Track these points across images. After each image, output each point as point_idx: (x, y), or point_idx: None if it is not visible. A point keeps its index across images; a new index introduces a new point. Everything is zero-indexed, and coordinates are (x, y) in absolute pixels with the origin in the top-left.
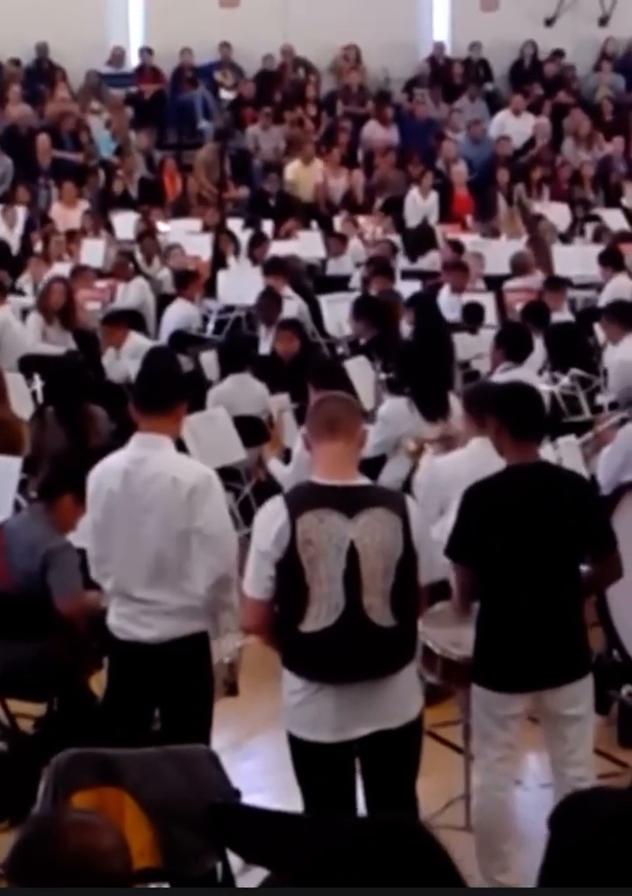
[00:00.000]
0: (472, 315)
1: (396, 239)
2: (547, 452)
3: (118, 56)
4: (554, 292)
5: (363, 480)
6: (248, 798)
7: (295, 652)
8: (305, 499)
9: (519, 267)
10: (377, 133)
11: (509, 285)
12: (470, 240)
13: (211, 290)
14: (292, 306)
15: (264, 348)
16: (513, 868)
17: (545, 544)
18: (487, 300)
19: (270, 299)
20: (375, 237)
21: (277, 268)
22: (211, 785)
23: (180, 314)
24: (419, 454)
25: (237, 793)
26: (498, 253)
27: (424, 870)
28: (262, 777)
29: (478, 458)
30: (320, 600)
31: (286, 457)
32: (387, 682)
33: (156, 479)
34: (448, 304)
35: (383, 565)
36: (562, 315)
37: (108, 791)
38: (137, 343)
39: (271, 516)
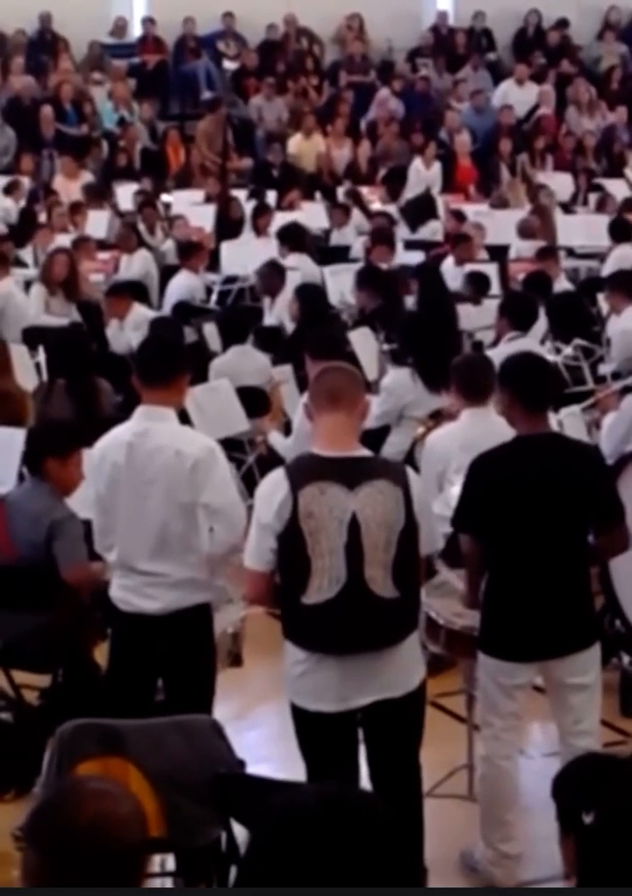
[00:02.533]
0: (477, 285)
1: (392, 209)
2: (550, 422)
3: (120, 27)
4: (548, 261)
5: (364, 452)
6: (253, 768)
7: (297, 624)
8: (306, 471)
9: (526, 232)
10: (390, 102)
11: (517, 248)
12: (474, 210)
13: (214, 261)
14: (295, 276)
15: (268, 319)
16: (517, 837)
17: (553, 514)
18: (491, 271)
19: (273, 271)
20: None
21: (292, 236)
22: (215, 755)
23: (184, 285)
24: (427, 433)
25: (241, 763)
26: (502, 223)
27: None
28: (266, 747)
29: (470, 429)
30: (322, 572)
31: (287, 428)
32: (389, 653)
33: (160, 451)
34: (452, 275)
35: (384, 536)
36: (559, 284)
37: (112, 761)
38: (140, 314)
39: (272, 489)
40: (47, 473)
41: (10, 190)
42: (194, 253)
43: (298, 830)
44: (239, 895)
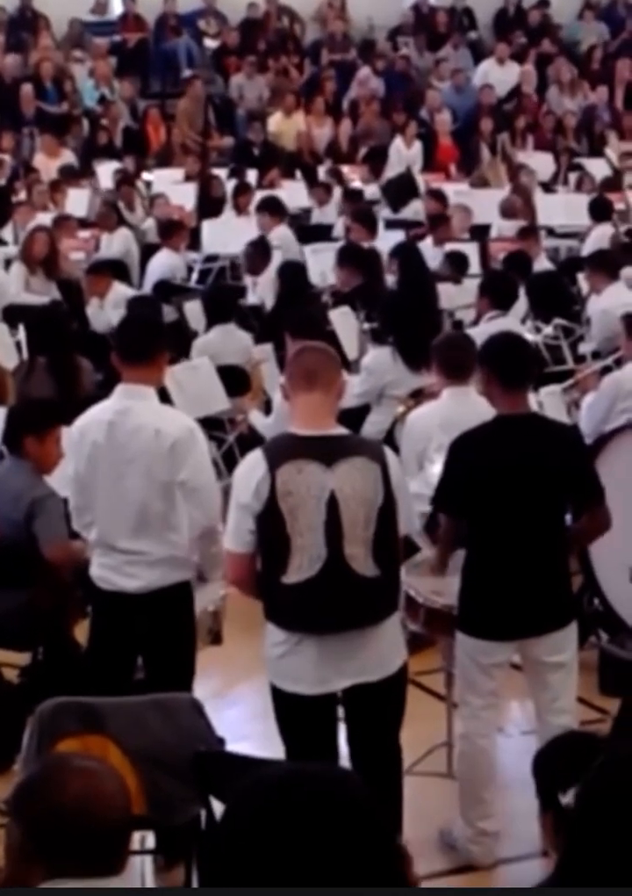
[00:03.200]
0: (456, 264)
1: (374, 188)
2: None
3: (101, 4)
4: (529, 240)
5: (341, 430)
6: (232, 746)
7: (277, 604)
8: (283, 450)
9: (507, 211)
10: (372, 81)
11: (498, 227)
12: (454, 189)
13: (195, 240)
14: (276, 255)
15: (251, 298)
16: (495, 814)
17: (532, 494)
18: (471, 250)
19: (258, 250)
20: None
21: (271, 208)
22: (195, 733)
23: (165, 263)
24: (408, 412)
25: (221, 741)
26: (482, 202)
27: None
28: (245, 725)
29: (450, 408)
30: (302, 551)
31: (267, 407)
32: (369, 635)
33: (140, 430)
34: (431, 255)
35: (364, 514)
36: (540, 264)
37: (92, 739)
38: (121, 292)
39: (250, 469)
40: (26, 452)
41: None
42: (175, 231)
43: (266, 805)
44: (222, 895)
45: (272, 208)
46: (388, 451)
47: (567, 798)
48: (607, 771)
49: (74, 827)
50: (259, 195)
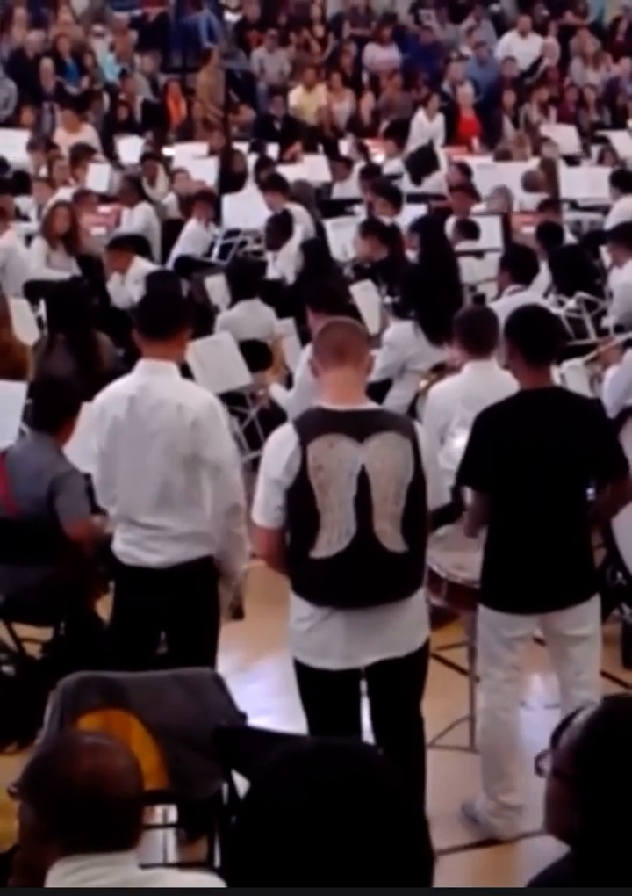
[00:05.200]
0: (466, 232)
1: (397, 163)
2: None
3: None
4: (548, 212)
5: (372, 405)
6: (254, 721)
7: (306, 578)
8: (315, 425)
9: (530, 185)
10: (378, 55)
11: (520, 201)
12: (476, 162)
13: (216, 214)
14: (299, 230)
15: (271, 272)
16: (518, 788)
17: (556, 468)
18: (492, 223)
19: (278, 224)
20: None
21: (277, 185)
22: (217, 708)
23: (193, 232)
24: (430, 386)
25: (243, 716)
26: (506, 175)
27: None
28: (267, 700)
29: (472, 382)
30: (332, 526)
31: (289, 381)
32: (396, 610)
33: (161, 405)
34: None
35: (394, 489)
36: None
37: (114, 714)
38: (142, 268)
39: (281, 443)
40: (63, 433)
41: (33, 146)
42: (197, 202)
43: (298, 775)
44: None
45: (279, 185)
46: (418, 427)
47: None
48: (597, 729)
49: (86, 804)
50: (280, 169)
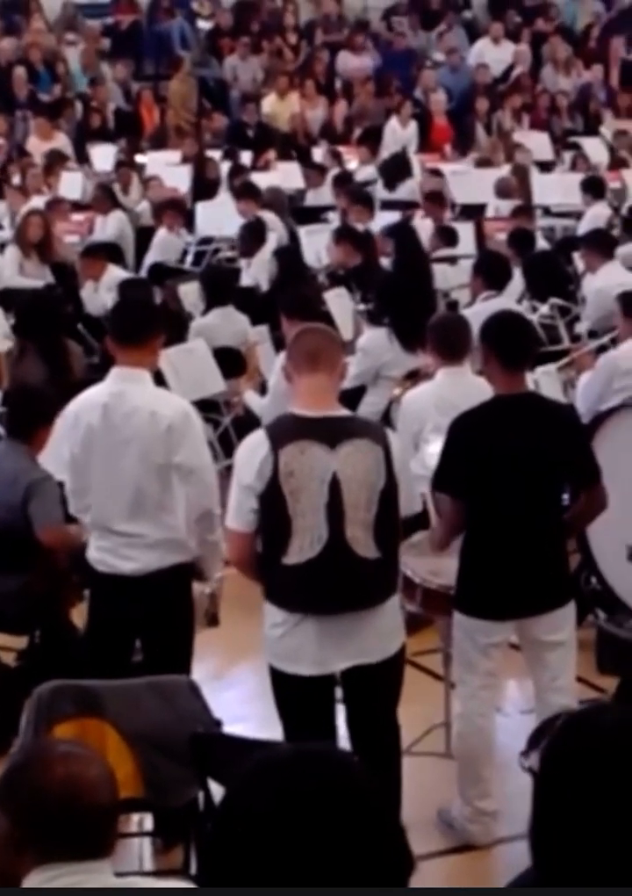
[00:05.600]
0: (446, 239)
1: (371, 169)
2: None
3: None
4: (521, 219)
5: (345, 412)
6: (230, 728)
7: (278, 584)
8: (287, 431)
9: (504, 191)
10: (351, 62)
11: (495, 207)
12: (450, 169)
13: (189, 222)
14: (272, 237)
15: (245, 279)
16: (494, 794)
17: (530, 474)
18: (465, 230)
19: (251, 232)
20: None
21: (249, 192)
22: (192, 715)
23: (163, 240)
24: (404, 393)
25: (218, 723)
26: (479, 182)
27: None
28: (243, 707)
29: (445, 388)
30: (303, 532)
31: (263, 388)
32: (369, 616)
33: (135, 413)
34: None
35: (365, 496)
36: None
37: (90, 722)
38: (115, 275)
39: (253, 449)
40: (37, 440)
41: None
42: (166, 210)
43: (273, 783)
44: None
45: (251, 193)
46: (390, 433)
47: (530, 762)
48: (568, 732)
49: (60, 812)
50: (254, 177)
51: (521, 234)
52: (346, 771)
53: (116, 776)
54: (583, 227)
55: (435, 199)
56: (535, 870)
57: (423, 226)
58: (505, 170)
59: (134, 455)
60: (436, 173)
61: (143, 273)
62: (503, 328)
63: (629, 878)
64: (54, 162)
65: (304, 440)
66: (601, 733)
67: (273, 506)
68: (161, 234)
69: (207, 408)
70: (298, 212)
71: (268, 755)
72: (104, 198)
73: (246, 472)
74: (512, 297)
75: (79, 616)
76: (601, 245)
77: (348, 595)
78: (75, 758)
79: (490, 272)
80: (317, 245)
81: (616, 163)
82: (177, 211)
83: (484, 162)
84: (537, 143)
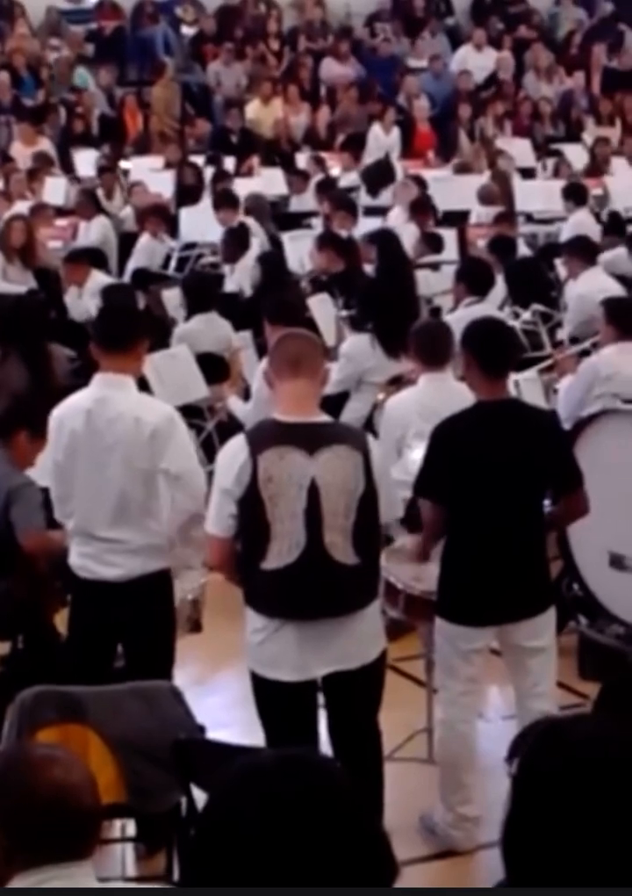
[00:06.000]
0: (431, 245)
1: (354, 175)
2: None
3: None
4: (503, 225)
5: (325, 418)
6: (213, 734)
7: (256, 589)
8: (266, 436)
9: (487, 198)
10: (334, 69)
11: (477, 213)
12: (432, 175)
13: (173, 228)
14: (255, 243)
15: (228, 285)
16: (476, 799)
17: (512, 480)
18: (449, 236)
19: (234, 237)
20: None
21: (228, 201)
22: (175, 721)
23: (145, 247)
24: (387, 399)
25: (201, 729)
26: (461, 188)
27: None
28: (226, 712)
29: (428, 394)
30: (282, 537)
31: (246, 394)
32: (348, 622)
33: (119, 418)
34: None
35: (344, 502)
36: (518, 249)
37: (72, 728)
38: (99, 281)
39: (233, 454)
40: (14, 444)
41: None
42: (149, 216)
43: (256, 789)
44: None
45: (230, 202)
46: (370, 439)
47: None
48: (542, 742)
49: (47, 816)
50: (237, 183)
51: (502, 241)
52: (328, 777)
53: (98, 781)
54: (565, 234)
55: (420, 206)
56: (506, 877)
57: (407, 230)
58: (486, 177)
59: (118, 461)
60: (417, 180)
61: (126, 279)
62: (484, 335)
63: (598, 886)
64: (40, 166)
65: (283, 446)
66: (574, 744)
67: (252, 511)
68: (144, 239)
69: (190, 413)
70: (281, 218)
71: (250, 760)
72: (88, 204)
73: (225, 476)
74: (494, 303)
75: (62, 621)
76: (583, 251)
77: (326, 600)
78: (58, 762)
79: (472, 279)
80: (300, 251)
81: (597, 170)
82: (160, 217)
83: (463, 168)
84: (519, 150)
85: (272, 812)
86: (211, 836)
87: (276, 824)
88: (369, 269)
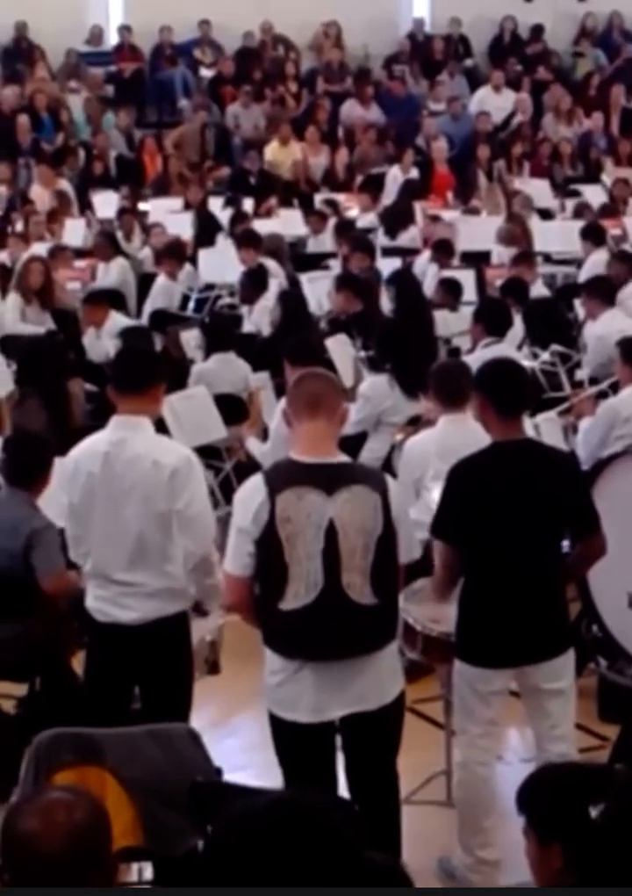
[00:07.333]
0: (450, 291)
1: (372, 217)
2: (526, 428)
3: (96, 35)
4: (522, 266)
5: (343, 458)
6: (230, 776)
7: (274, 630)
8: (284, 476)
9: (508, 239)
10: (355, 111)
11: (498, 254)
12: (451, 216)
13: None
14: (274, 284)
15: (246, 326)
16: (495, 843)
17: (529, 521)
18: (467, 277)
19: (253, 278)
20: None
21: (250, 240)
22: (192, 763)
23: (162, 288)
24: (405, 439)
25: (219, 771)
26: (478, 229)
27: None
28: (244, 755)
29: (447, 435)
30: (299, 578)
31: (265, 434)
32: (366, 663)
33: (137, 461)
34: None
35: (362, 542)
36: (536, 290)
37: (89, 770)
38: (118, 322)
39: (251, 494)
40: (36, 489)
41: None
42: (166, 257)
43: (247, 835)
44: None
45: (252, 241)
46: (390, 480)
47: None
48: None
49: (16, 863)
50: (256, 224)
51: (516, 284)
52: (322, 821)
53: (114, 824)
54: (583, 275)
55: (443, 247)
56: None
57: (428, 270)
58: (504, 219)
59: (136, 503)
60: (436, 220)
61: (144, 320)
62: (496, 376)
63: None
64: (60, 206)
65: (301, 486)
66: None
67: (269, 551)
68: (161, 281)
69: (208, 454)
70: (299, 259)
71: (245, 805)
72: (107, 245)
73: (243, 516)
74: (512, 344)
75: (79, 663)
76: (602, 292)
77: (343, 641)
78: (48, 807)
79: (490, 319)
80: (318, 292)
81: (616, 210)
82: (176, 258)
83: (471, 211)
84: (538, 191)
85: (262, 858)
86: (205, 882)
87: (266, 869)
88: (387, 309)
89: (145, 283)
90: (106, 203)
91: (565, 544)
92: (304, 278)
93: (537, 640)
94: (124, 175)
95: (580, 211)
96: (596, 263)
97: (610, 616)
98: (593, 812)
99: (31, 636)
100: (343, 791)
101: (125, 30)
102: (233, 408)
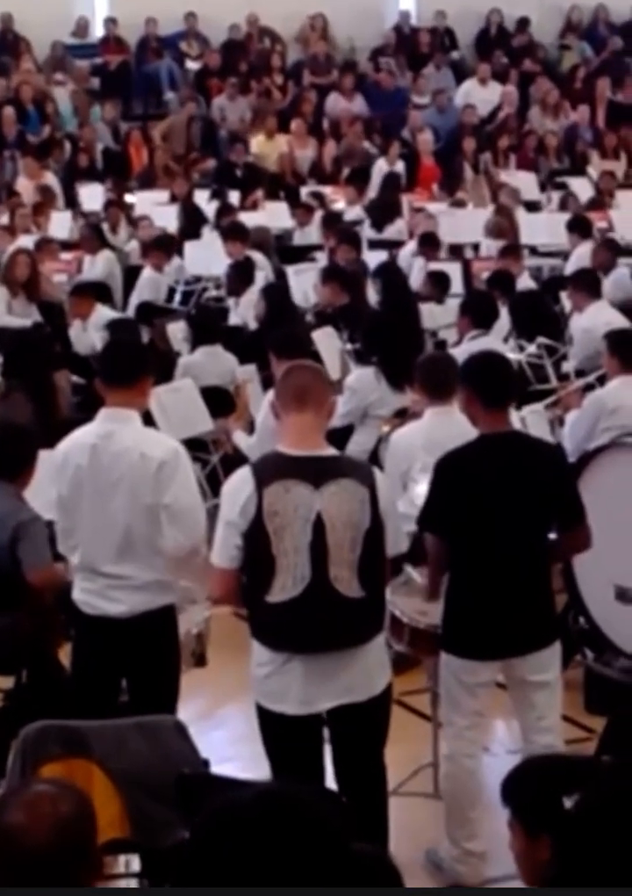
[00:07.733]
0: (438, 284)
1: (358, 209)
2: (512, 420)
3: (82, 27)
4: (509, 259)
5: (331, 451)
6: (217, 768)
7: (262, 622)
8: (272, 469)
9: (495, 231)
10: (340, 103)
11: (486, 246)
12: (437, 209)
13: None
14: (260, 276)
15: (233, 318)
16: (482, 834)
17: (515, 513)
18: (454, 269)
19: (239, 271)
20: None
21: (237, 233)
22: (179, 756)
23: (148, 280)
24: (391, 432)
25: (206, 763)
26: (464, 222)
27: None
28: (230, 747)
29: (433, 428)
30: (286, 570)
31: (251, 427)
32: (354, 655)
33: (124, 453)
34: (418, 275)
35: (350, 536)
36: (523, 282)
37: (76, 763)
38: (104, 315)
39: (238, 486)
40: (22, 482)
41: None
42: (153, 250)
43: (234, 827)
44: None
45: (239, 233)
46: (378, 473)
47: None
48: (605, 792)
49: (3, 853)
50: (242, 216)
51: (502, 277)
52: (312, 814)
53: (101, 817)
54: (570, 267)
55: (429, 240)
56: None
57: (414, 263)
58: (491, 211)
59: (124, 495)
60: (422, 211)
61: (131, 313)
62: (482, 368)
63: None
64: (45, 199)
65: (288, 479)
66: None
67: (257, 544)
68: (147, 273)
69: (195, 446)
70: (285, 251)
71: (230, 798)
72: (93, 238)
73: (230, 509)
74: (499, 336)
75: (65, 656)
76: (588, 285)
77: (331, 634)
78: (32, 801)
79: (477, 312)
80: (304, 285)
81: (602, 203)
82: (163, 250)
83: (458, 204)
84: (524, 183)
85: (249, 850)
86: (190, 875)
87: (253, 861)
88: (373, 301)
89: (131, 275)
90: (92, 195)
91: (552, 536)
92: (290, 270)
93: (524, 632)
94: (110, 167)
95: (566, 203)
96: (582, 255)
97: (596, 608)
98: (568, 803)
99: (17, 629)
100: (331, 783)
101: (110, 22)
102: (220, 400)
